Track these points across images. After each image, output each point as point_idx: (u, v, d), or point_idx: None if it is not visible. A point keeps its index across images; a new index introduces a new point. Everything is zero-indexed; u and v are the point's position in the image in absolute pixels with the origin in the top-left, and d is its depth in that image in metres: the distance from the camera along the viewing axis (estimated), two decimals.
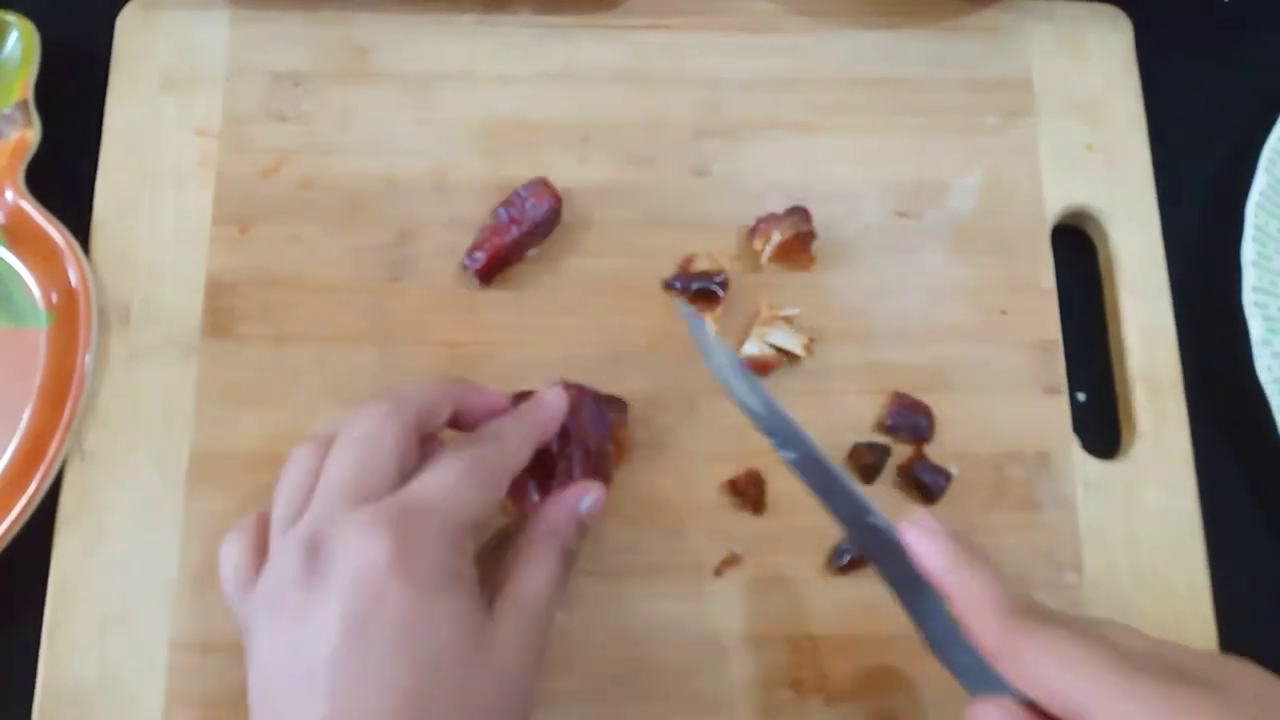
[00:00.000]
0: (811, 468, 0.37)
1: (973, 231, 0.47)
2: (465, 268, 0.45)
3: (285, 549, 0.34)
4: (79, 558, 0.42)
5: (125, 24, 0.49)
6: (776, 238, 0.46)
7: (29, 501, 0.41)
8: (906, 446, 0.44)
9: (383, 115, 0.48)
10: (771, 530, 0.43)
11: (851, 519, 0.36)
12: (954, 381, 0.45)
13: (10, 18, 0.47)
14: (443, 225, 0.46)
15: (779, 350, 0.45)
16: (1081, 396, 0.46)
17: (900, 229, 0.47)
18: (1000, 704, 0.31)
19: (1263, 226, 0.47)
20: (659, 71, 0.49)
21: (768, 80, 0.49)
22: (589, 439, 0.40)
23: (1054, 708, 0.30)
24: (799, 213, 0.46)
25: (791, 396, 0.45)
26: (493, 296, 0.46)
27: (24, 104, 0.46)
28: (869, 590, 0.42)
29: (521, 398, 0.40)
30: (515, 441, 0.38)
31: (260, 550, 0.35)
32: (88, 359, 0.43)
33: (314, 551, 0.33)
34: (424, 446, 0.37)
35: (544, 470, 0.40)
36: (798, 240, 0.46)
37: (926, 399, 0.45)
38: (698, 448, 0.44)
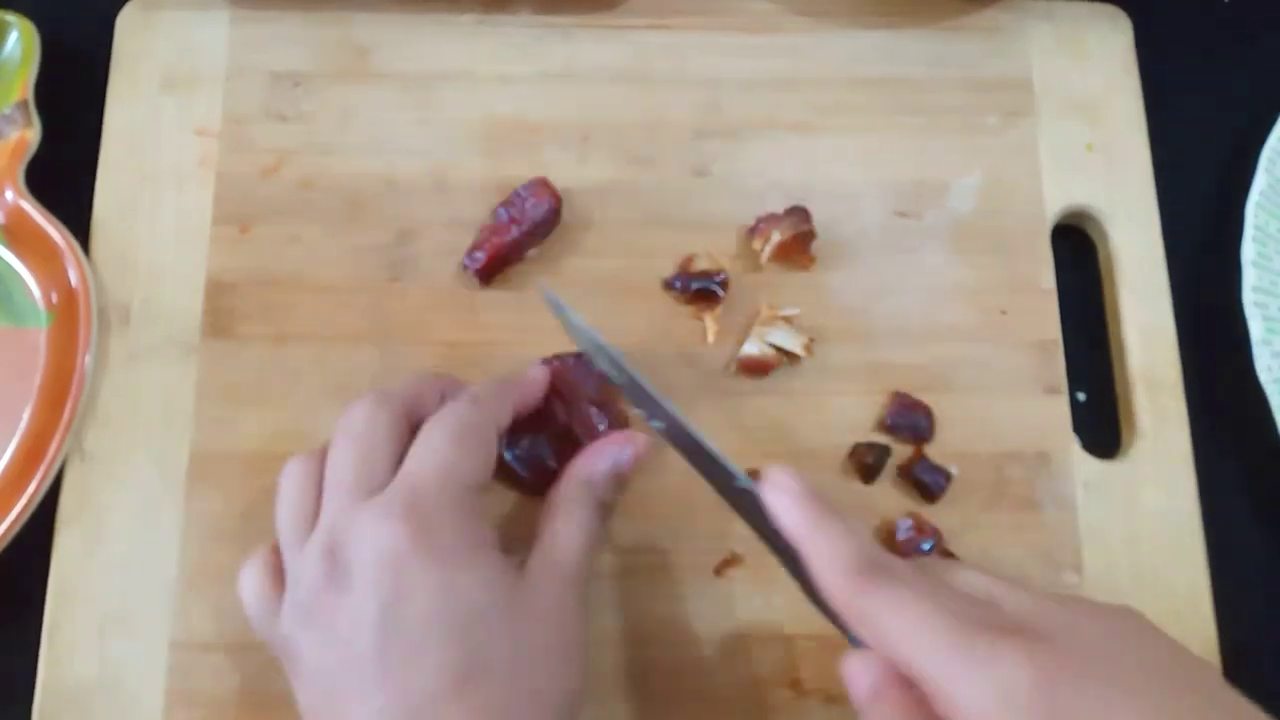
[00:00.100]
0: (679, 436, 0.38)
1: (973, 231, 0.47)
2: (465, 268, 0.45)
3: (305, 561, 0.34)
4: (79, 558, 0.42)
5: (125, 24, 0.49)
6: (776, 238, 0.46)
7: (29, 501, 0.41)
8: (906, 446, 0.44)
9: (383, 115, 0.48)
10: None
11: (721, 485, 0.37)
12: (954, 381, 0.45)
13: (10, 18, 0.47)
14: (443, 225, 0.46)
15: (779, 350, 0.45)
16: (1081, 396, 0.46)
17: (900, 229, 0.47)
18: (865, 657, 0.32)
19: (1263, 226, 0.47)
20: (659, 71, 0.49)
21: (768, 80, 0.49)
22: (589, 391, 0.41)
23: (896, 662, 0.31)
24: (799, 213, 0.46)
25: (791, 396, 0.45)
26: (493, 296, 0.46)
27: (24, 104, 0.46)
28: None
29: None
30: (494, 398, 0.38)
31: (278, 575, 0.36)
32: (88, 359, 0.43)
33: (333, 556, 0.34)
34: (414, 435, 0.37)
35: (562, 440, 0.40)
36: (797, 240, 0.46)
37: (926, 399, 0.45)
38: None
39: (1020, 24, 0.50)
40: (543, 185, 0.45)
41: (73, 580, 0.42)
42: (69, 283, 0.44)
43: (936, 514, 0.43)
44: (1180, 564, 0.44)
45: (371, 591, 0.33)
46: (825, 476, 0.44)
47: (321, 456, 0.37)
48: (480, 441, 0.36)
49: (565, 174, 0.46)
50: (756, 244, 0.46)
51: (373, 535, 0.33)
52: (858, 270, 0.47)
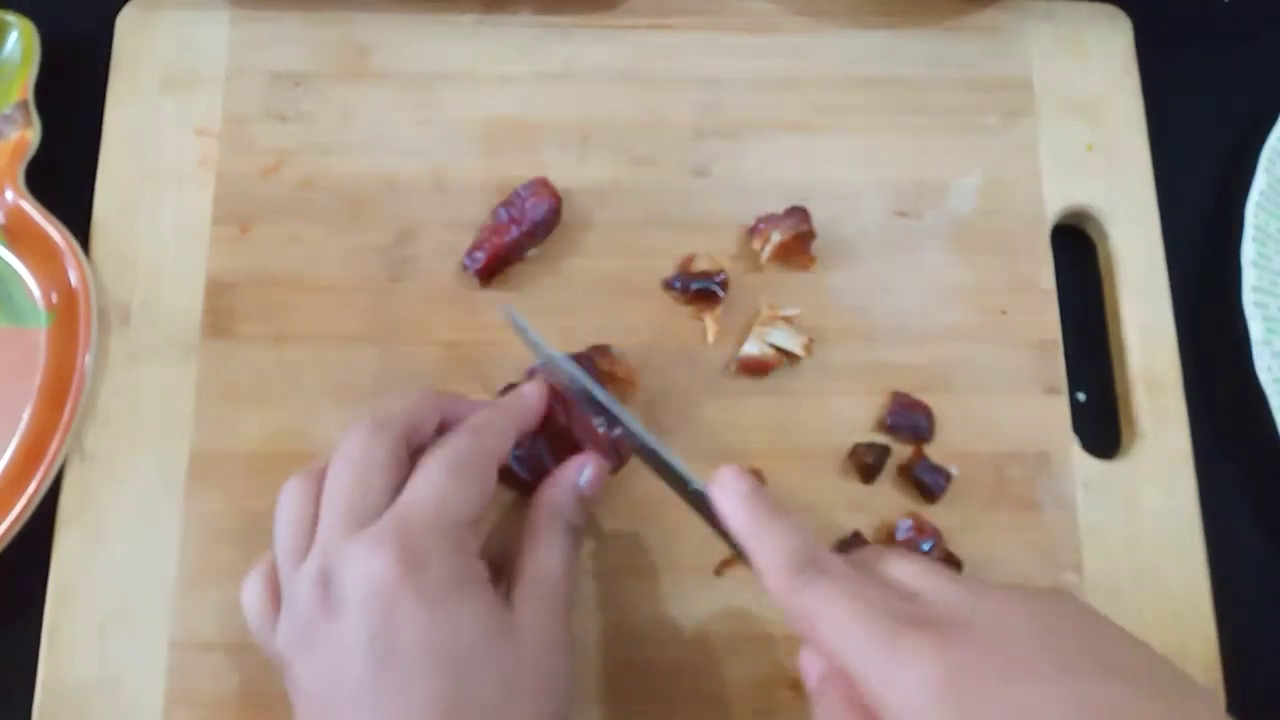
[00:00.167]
0: (636, 444, 0.39)
1: (973, 231, 0.47)
2: (465, 268, 0.45)
3: (298, 586, 0.34)
4: (79, 558, 0.42)
5: (125, 24, 0.49)
6: (776, 238, 0.46)
7: (29, 501, 0.41)
8: (906, 446, 0.44)
9: (383, 115, 0.48)
10: None
11: (678, 488, 0.38)
12: (954, 381, 0.45)
13: (10, 18, 0.47)
14: (443, 225, 0.46)
15: (779, 350, 0.45)
16: (1081, 396, 0.46)
17: (900, 229, 0.47)
18: (816, 650, 0.32)
19: (1263, 226, 0.47)
20: (659, 71, 0.49)
21: (768, 80, 0.49)
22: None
23: (830, 657, 0.31)
24: (799, 213, 0.46)
25: (791, 396, 0.45)
26: (493, 296, 0.46)
27: (24, 104, 0.46)
28: None
29: (508, 391, 0.41)
30: (494, 430, 0.38)
31: (276, 590, 0.36)
32: (88, 359, 0.43)
33: (325, 584, 0.34)
34: (414, 460, 0.37)
35: (562, 442, 0.40)
36: (797, 240, 0.46)
37: (926, 399, 0.45)
38: (698, 447, 0.44)
39: (1020, 24, 0.50)
40: (543, 185, 0.45)
41: (73, 580, 0.42)
42: (69, 283, 0.44)
43: (936, 514, 0.43)
44: (1180, 564, 0.44)
45: (361, 621, 0.33)
46: (825, 476, 0.44)
47: (320, 476, 0.36)
48: (477, 474, 0.36)
49: (565, 174, 0.46)
50: (756, 244, 0.46)
51: (364, 565, 0.33)
52: (858, 270, 0.47)
